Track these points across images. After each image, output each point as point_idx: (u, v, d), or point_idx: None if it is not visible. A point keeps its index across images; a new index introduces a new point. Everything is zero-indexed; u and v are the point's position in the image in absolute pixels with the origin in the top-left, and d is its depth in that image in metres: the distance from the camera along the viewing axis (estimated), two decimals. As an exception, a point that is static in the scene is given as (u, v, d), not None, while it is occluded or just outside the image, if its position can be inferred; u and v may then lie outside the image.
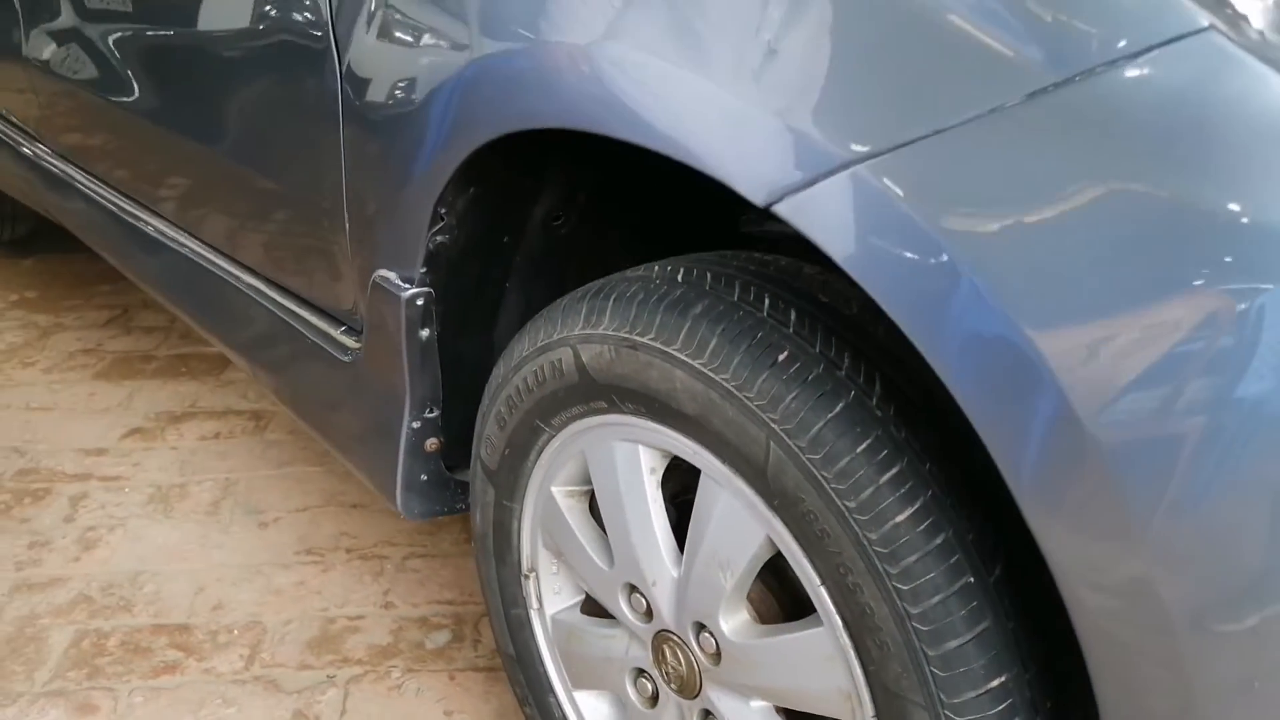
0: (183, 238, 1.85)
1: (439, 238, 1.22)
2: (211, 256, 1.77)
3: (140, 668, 1.63)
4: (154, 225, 1.93)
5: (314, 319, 1.54)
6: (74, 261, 3.00)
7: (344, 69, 1.25)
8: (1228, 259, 0.64)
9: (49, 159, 2.31)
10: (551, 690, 1.29)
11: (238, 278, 1.70)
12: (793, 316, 0.94)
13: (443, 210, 1.19)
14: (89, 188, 2.15)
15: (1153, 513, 0.69)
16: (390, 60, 1.18)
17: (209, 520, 1.98)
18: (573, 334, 1.07)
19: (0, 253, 3.14)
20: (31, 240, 3.13)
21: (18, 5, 2.23)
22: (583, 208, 1.28)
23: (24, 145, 2.39)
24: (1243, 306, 0.64)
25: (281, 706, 1.55)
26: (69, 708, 1.56)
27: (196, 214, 1.82)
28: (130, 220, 2.00)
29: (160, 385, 2.45)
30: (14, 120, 2.43)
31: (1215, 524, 0.68)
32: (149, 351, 2.60)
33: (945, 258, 0.73)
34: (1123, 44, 0.67)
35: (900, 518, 0.85)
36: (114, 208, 2.05)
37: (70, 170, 2.23)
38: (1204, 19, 0.64)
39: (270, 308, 1.62)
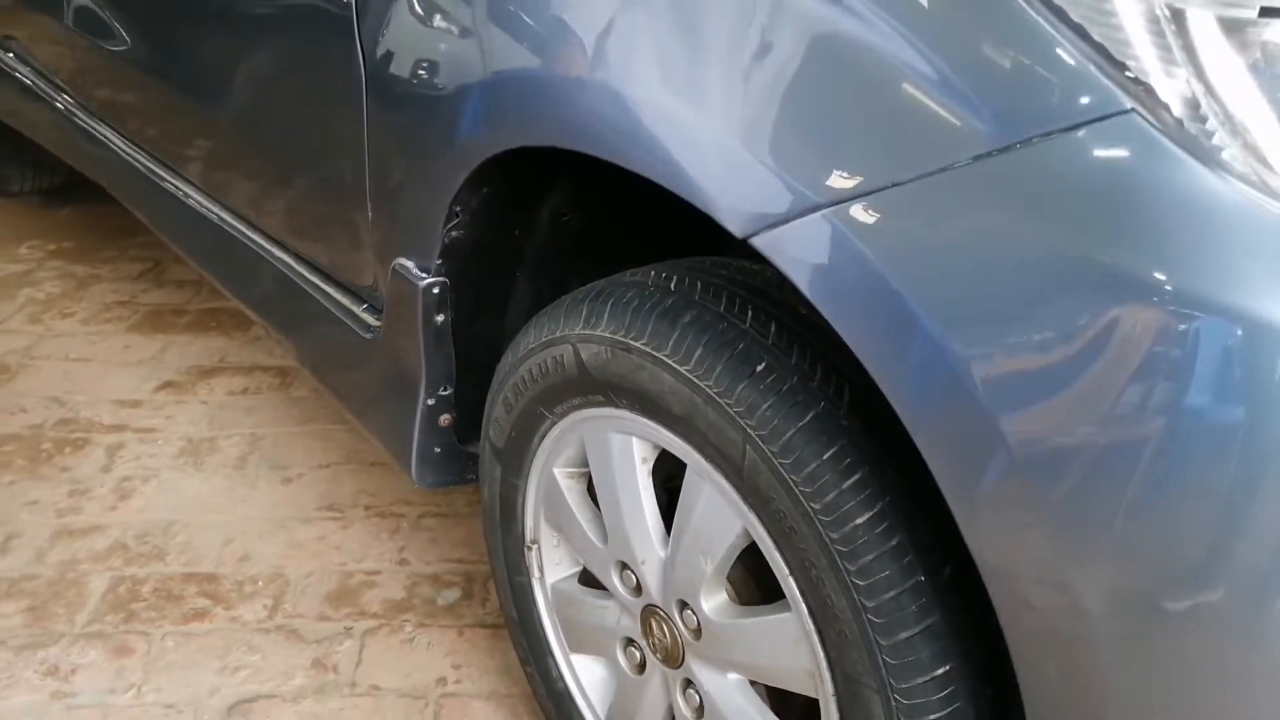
0: (212, 204, 1.94)
1: (454, 232, 1.31)
2: (240, 226, 1.86)
3: (172, 614, 1.75)
4: (183, 189, 2.02)
5: (338, 295, 1.63)
6: (108, 213, 3.08)
7: (367, 66, 1.33)
8: (1143, 311, 0.72)
9: (81, 115, 2.40)
10: (550, 652, 1.40)
11: (266, 249, 1.79)
12: (772, 329, 1.02)
13: (458, 208, 1.28)
14: (119, 146, 2.24)
15: (1075, 532, 0.78)
16: (410, 71, 1.26)
17: (236, 474, 2.09)
18: (573, 333, 1.16)
19: (37, 202, 3.24)
20: (67, 190, 3.22)
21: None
22: (589, 205, 1.36)
23: (57, 100, 2.48)
24: (1153, 349, 0.72)
25: (302, 655, 1.67)
26: (106, 649, 1.68)
27: (226, 183, 1.92)
28: (159, 182, 2.09)
29: (191, 339, 2.56)
30: (49, 74, 2.52)
31: (1132, 539, 0.77)
32: (180, 305, 2.71)
33: (897, 297, 0.81)
34: (1056, 118, 0.75)
35: (860, 520, 0.94)
36: (143, 168, 2.14)
37: (101, 128, 2.32)
38: (1127, 102, 0.72)
39: (297, 280, 1.72)
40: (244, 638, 1.71)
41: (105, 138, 2.29)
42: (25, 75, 2.62)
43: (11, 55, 2.69)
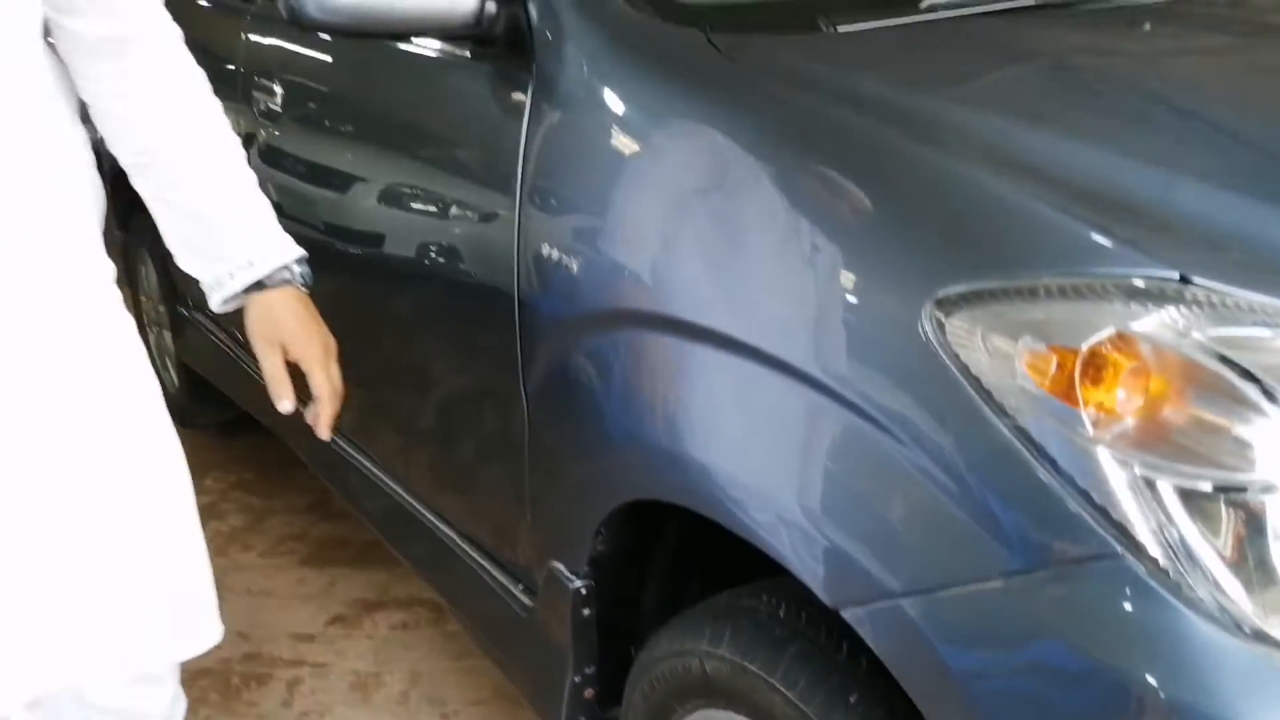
0: (386, 475, 2.27)
1: (599, 547, 1.59)
2: (413, 501, 2.17)
3: None
4: (359, 460, 2.35)
5: (497, 572, 1.92)
6: (278, 444, 3.47)
7: (530, 413, 1.64)
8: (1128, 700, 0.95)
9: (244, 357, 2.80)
10: None
11: (435, 524, 2.09)
12: (863, 664, 1.26)
13: (602, 530, 1.56)
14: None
15: None
16: (560, 428, 1.57)
17: (400, 709, 2.36)
18: (699, 648, 1.41)
19: (217, 434, 3.63)
20: (241, 422, 3.61)
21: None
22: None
23: (224, 344, 2.90)
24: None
25: None
26: None
27: (401, 460, 2.24)
28: (337, 449, 2.43)
29: (355, 573, 2.87)
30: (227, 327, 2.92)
31: None
32: (346, 538, 3.03)
33: (945, 666, 1.06)
34: (1067, 552, 0.99)
35: (930, 834, 1.16)
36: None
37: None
38: (1119, 548, 0.96)
39: (460, 554, 2.01)
40: None
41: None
42: (208, 328, 3.05)
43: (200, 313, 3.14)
